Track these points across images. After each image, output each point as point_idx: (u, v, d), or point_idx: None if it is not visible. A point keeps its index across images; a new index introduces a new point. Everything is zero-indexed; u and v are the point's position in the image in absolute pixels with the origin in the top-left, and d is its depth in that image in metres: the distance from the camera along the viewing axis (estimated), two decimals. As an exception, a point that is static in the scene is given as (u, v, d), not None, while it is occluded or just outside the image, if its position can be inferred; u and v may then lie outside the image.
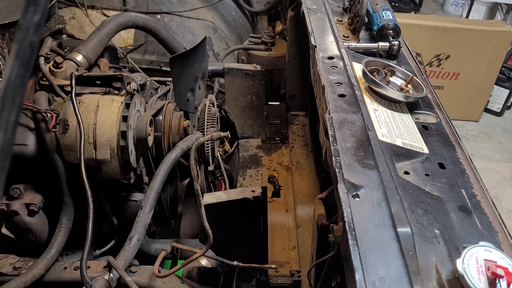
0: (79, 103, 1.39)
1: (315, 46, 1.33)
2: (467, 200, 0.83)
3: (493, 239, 0.75)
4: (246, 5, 2.84)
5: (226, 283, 1.44)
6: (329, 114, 1.01)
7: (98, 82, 1.54)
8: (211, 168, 1.83)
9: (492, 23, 4.43)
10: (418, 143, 0.98)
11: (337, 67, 1.22)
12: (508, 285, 0.63)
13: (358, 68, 1.22)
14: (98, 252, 1.60)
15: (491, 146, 4.23)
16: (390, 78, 1.21)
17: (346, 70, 1.21)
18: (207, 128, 1.58)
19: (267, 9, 2.80)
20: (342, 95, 1.09)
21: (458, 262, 0.66)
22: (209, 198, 1.29)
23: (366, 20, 1.42)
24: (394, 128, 1.02)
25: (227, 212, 1.31)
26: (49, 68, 1.54)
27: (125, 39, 2.51)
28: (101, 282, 1.21)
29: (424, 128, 1.05)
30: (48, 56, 1.59)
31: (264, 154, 2.11)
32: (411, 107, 1.12)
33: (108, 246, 1.62)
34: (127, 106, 1.42)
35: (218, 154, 1.82)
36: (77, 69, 1.57)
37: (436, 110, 1.12)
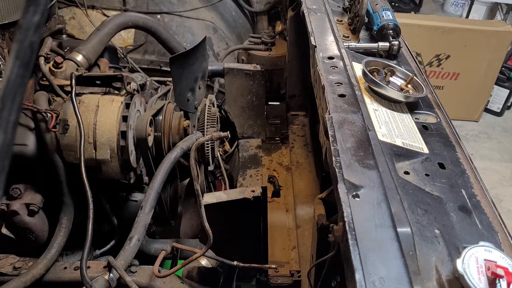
0: (79, 103, 1.39)
1: (315, 46, 1.33)
2: (467, 200, 0.83)
3: (493, 239, 0.75)
4: (246, 5, 2.84)
5: (226, 283, 1.44)
6: (329, 114, 1.01)
7: (98, 82, 1.54)
8: (211, 168, 1.83)
9: (492, 23, 4.43)
10: (418, 143, 0.98)
11: (337, 67, 1.22)
12: (508, 285, 0.63)
13: (358, 68, 1.22)
14: (98, 252, 1.60)
15: (491, 146, 4.23)
16: (390, 78, 1.21)
17: (346, 70, 1.21)
18: (207, 128, 1.58)
19: (267, 9, 2.81)
20: (342, 95, 1.09)
21: (458, 262, 0.66)
22: (209, 198, 1.29)
23: (366, 20, 1.42)
24: (394, 128, 1.02)
25: (227, 212, 1.31)
26: (49, 68, 1.54)
27: (125, 39, 2.51)
28: (101, 282, 1.21)
29: (424, 128, 1.04)
30: (48, 56, 1.59)
31: (264, 154, 2.11)
32: (411, 107, 1.12)
33: (108, 246, 1.62)
34: (127, 106, 1.42)
35: (218, 154, 1.82)
36: (77, 69, 1.57)
37: (436, 110, 1.12)
